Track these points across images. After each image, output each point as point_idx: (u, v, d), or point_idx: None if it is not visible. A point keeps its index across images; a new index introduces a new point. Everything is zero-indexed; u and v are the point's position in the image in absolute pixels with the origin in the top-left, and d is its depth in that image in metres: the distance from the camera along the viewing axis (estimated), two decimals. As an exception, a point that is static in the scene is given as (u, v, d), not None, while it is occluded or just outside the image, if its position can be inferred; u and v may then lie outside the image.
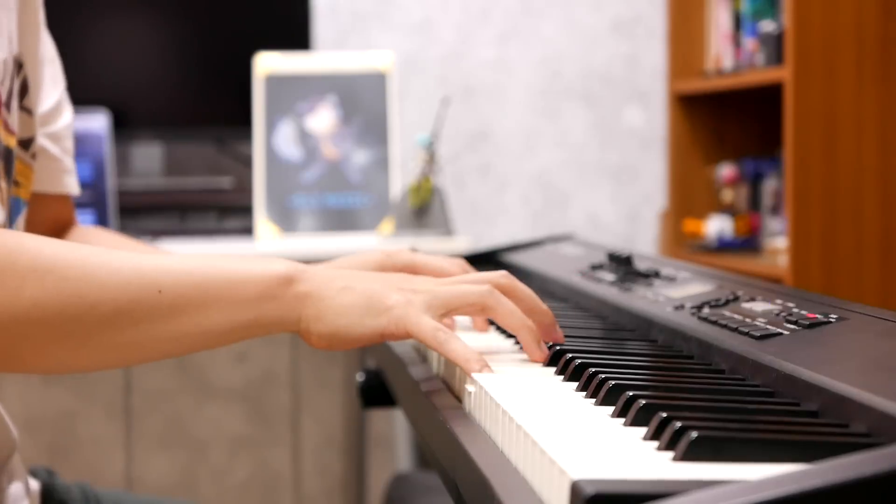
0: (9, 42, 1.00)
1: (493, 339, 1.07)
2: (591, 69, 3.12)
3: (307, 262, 1.20)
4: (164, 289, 0.86)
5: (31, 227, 1.17)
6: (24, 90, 1.06)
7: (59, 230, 1.24)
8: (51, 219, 1.23)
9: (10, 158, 1.03)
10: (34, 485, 1.17)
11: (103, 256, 0.87)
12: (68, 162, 1.21)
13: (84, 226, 1.30)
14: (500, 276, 0.94)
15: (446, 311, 0.90)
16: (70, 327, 0.84)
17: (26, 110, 1.06)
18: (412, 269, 1.07)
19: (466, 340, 1.01)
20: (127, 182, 2.72)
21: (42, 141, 1.15)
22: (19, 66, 1.04)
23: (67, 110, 1.21)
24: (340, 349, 0.91)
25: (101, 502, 1.24)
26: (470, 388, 0.85)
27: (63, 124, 1.19)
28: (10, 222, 1.06)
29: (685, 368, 0.90)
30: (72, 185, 1.22)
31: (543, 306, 0.94)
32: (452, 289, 0.91)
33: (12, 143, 1.03)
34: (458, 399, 0.89)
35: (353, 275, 0.91)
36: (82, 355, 0.87)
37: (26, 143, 1.08)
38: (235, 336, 0.89)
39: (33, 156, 1.09)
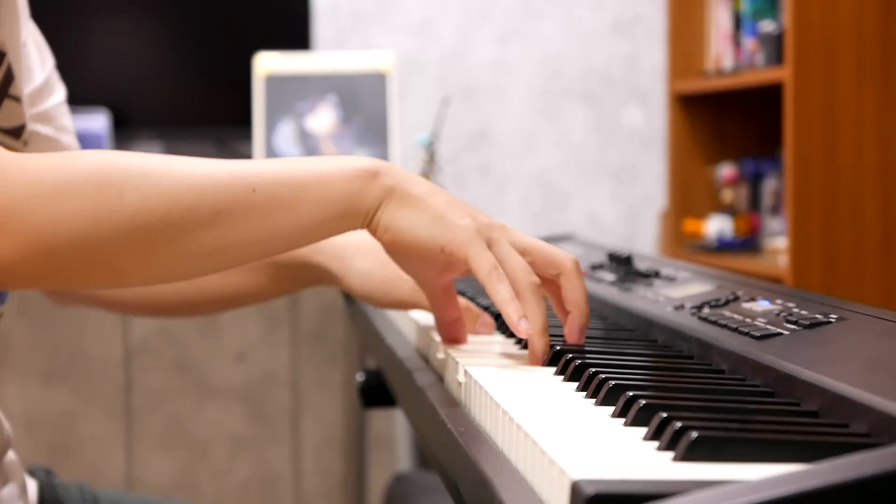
0: None
1: (497, 339, 1.07)
2: (591, 69, 3.12)
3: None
4: (259, 188, 0.88)
5: None
6: (8, 79, 1.05)
7: None
8: None
9: None
10: (32, 484, 1.17)
11: (193, 163, 0.88)
12: (67, 139, 1.19)
13: None
14: (573, 260, 0.94)
15: (521, 255, 0.91)
16: (172, 232, 0.85)
17: (13, 98, 1.06)
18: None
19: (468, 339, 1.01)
20: (127, 182, 2.72)
21: (33, 126, 1.14)
22: (1, 55, 1.04)
23: (59, 89, 1.19)
24: (401, 247, 0.92)
25: (100, 502, 1.23)
26: (462, 379, 0.85)
27: (53, 103, 1.18)
28: None
29: (685, 368, 0.90)
30: None
31: (585, 310, 0.94)
32: (543, 245, 0.93)
33: None
34: (459, 400, 0.89)
35: (435, 186, 0.93)
36: (186, 261, 0.87)
37: (16, 132, 1.07)
38: (326, 231, 0.91)
39: (25, 143, 1.09)
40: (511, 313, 0.88)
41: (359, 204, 0.91)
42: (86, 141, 2.42)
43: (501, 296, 0.89)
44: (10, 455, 1.11)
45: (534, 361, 0.91)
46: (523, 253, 0.92)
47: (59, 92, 1.19)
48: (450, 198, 0.92)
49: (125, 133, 2.73)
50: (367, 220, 0.92)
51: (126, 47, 2.83)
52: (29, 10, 1.15)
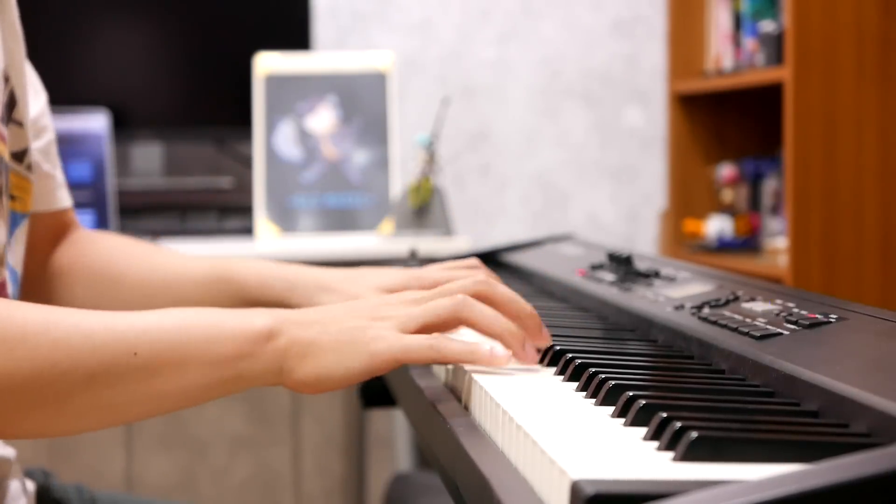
0: None
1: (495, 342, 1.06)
2: (591, 69, 3.12)
3: (307, 262, 1.21)
4: (140, 351, 0.84)
5: (33, 245, 1.17)
6: (12, 103, 1.06)
7: (59, 242, 1.24)
8: (50, 234, 1.23)
9: (6, 172, 1.03)
10: (30, 486, 1.17)
11: (76, 319, 0.85)
12: (59, 175, 1.22)
13: (90, 231, 1.29)
14: (476, 283, 0.92)
15: (421, 330, 0.88)
16: (44, 394, 0.82)
17: (16, 122, 1.07)
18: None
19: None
20: (127, 182, 2.72)
21: (36, 157, 1.15)
22: (6, 79, 1.04)
23: (51, 124, 1.21)
24: (330, 390, 0.88)
25: (97, 502, 1.23)
26: (473, 387, 0.85)
27: (50, 138, 1.20)
28: (8, 236, 1.06)
29: (685, 368, 0.90)
30: (65, 199, 1.23)
31: (527, 308, 0.92)
32: (426, 307, 0.89)
33: (5, 153, 1.03)
34: (459, 400, 0.89)
35: (327, 314, 0.89)
36: (60, 421, 0.84)
37: (20, 156, 1.08)
38: (215, 394, 0.87)
39: (29, 167, 1.10)
40: (481, 355, 0.86)
41: (251, 367, 0.86)
42: (86, 141, 2.42)
43: (460, 353, 0.86)
44: (9, 456, 1.11)
45: (523, 360, 0.90)
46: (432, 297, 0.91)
47: (52, 126, 1.21)
48: (340, 322, 0.88)
49: (125, 133, 2.72)
50: (269, 382, 0.87)
51: (126, 47, 2.83)
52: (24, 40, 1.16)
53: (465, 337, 0.97)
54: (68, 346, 0.82)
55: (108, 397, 0.84)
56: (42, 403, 0.82)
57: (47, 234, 1.22)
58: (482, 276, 0.94)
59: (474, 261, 1.15)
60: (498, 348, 0.87)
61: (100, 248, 1.25)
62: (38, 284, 1.21)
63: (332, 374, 0.86)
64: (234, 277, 1.17)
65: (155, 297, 1.20)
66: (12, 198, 1.07)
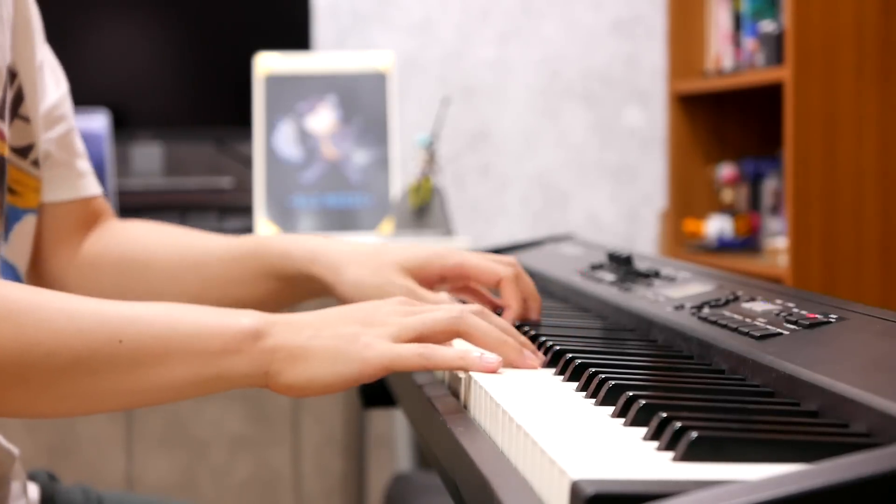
0: (0, 52, 1.01)
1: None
2: (591, 69, 3.12)
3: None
4: (125, 339, 0.83)
5: (58, 235, 1.17)
6: (18, 99, 1.06)
7: (89, 231, 1.23)
8: (78, 223, 1.21)
9: (4, 167, 1.03)
10: (33, 489, 1.17)
11: (63, 302, 0.84)
12: (82, 165, 1.20)
13: (119, 220, 1.27)
14: (474, 307, 0.92)
15: (417, 340, 0.88)
16: (27, 374, 0.81)
17: (23, 118, 1.06)
18: (462, 272, 1.07)
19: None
20: (127, 182, 2.72)
21: (48, 147, 1.15)
22: (13, 75, 1.04)
23: (71, 114, 1.20)
24: (313, 396, 0.88)
25: (104, 503, 1.23)
26: (473, 387, 0.85)
27: (68, 127, 1.19)
28: (6, 231, 1.06)
29: (685, 368, 0.90)
30: (89, 187, 1.21)
31: (516, 333, 0.92)
32: (423, 317, 0.89)
33: (5, 151, 1.03)
34: (459, 400, 0.89)
35: (319, 319, 0.89)
36: (41, 402, 0.84)
37: (24, 151, 1.08)
38: (199, 390, 0.86)
39: (34, 163, 1.09)
40: (473, 362, 0.86)
41: (237, 366, 0.85)
42: (86, 141, 2.42)
43: (450, 360, 0.86)
44: (13, 453, 1.11)
45: (525, 364, 0.90)
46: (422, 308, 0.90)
47: (71, 117, 1.20)
48: (333, 327, 0.88)
49: (125, 133, 2.73)
50: (254, 384, 0.87)
51: (126, 47, 2.83)
52: (44, 33, 1.15)
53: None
54: (54, 328, 0.82)
55: (91, 383, 0.83)
56: (24, 383, 0.82)
57: (74, 223, 1.21)
58: (477, 305, 0.94)
59: (511, 258, 1.13)
60: (488, 355, 0.87)
61: (129, 236, 1.24)
62: (66, 276, 1.20)
63: (322, 379, 0.86)
64: (258, 252, 1.17)
65: (184, 280, 1.19)
66: (12, 192, 1.06)
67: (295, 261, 1.13)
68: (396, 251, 1.11)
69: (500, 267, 1.08)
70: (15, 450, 1.11)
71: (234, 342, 0.85)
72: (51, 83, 1.16)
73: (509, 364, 0.90)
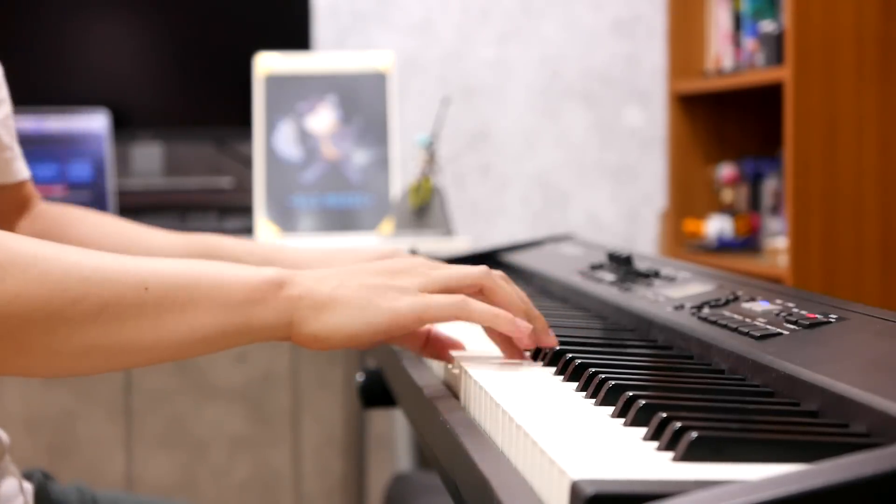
0: None
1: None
2: (591, 69, 3.12)
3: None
4: (151, 286, 0.83)
5: None
6: None
7: (21, 215, 1.24)
8: (11, 207, 1.23)
9: None
10: (28, 487, 1.17)
11: (87, 253, 0.84)
12: (17, 147, 1.21)
13: (55, 205, 1.28)
14: (498, 273, 0.93)
15: (444, 292, 0.88)
16: (53, 323, 0.80)
17: None
18: None
19: (465, 344, 1.01)
20: (127, 182, 2.72)
21: None
22: None
23: (7, 95, 1.21)
24: (340, 347, 0.88)
25: (98, 502, 1.23)
26: (473, 388, 0.85)
27: (7, 110, 1.19)
28: None
29: (685, 368, 0.90)
30: (23, 171, 1.23)
31: (536, 311, 0.93)
32: (450, 269, 0.90)
33: None
34: (459, 400, 0.89)
35: (345, 271, 0.88)
36: (65, 355, 0.82)
37: None
38: (224, 342, 0.86)
39: None
40: (502, 320, 0.87)
41: (262, 315, 0.85)
42: (86, 141, 2.42)
43: (483, 313, 0.87)
44: (3, 440, 1.11)
45: (522, 341, 0.90)
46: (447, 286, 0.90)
47: (8, 100, 1.20)
48: (360, 274, 0.88)
49: (125, 133, 2.72)
50: (278, 335, 0.87)
51: (126, 47, 2.83)
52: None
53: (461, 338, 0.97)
54: (79, 274, 0.81)
55: (117, 331, 0.82)
56: (50, 331, 0.80)
57: (7, 206, 1.22)
58: (506, 276, 0.94)
59: (484, 268, 1.14)
60: (520, 321, 0.87)
61: (70, 224, 1.24)
62: None
63: (349, 328, 0.86)
64: (211, 253, 1.16)
65: None
66: None
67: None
68: (348, 253, 1.12)
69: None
70: (6, 438, 1.11)
71: (258, 291, 0.85)
72: None
73: (517, 334, 0.90)
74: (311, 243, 2.40)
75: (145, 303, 0.83)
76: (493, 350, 1.00)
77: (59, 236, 1.21)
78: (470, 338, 1.02)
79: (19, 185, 1.23)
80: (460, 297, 0.87)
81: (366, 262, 0.98)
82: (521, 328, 0.88)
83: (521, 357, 0.93)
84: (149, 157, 2.81)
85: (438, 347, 0.96)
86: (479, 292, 0.90)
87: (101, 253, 0.85)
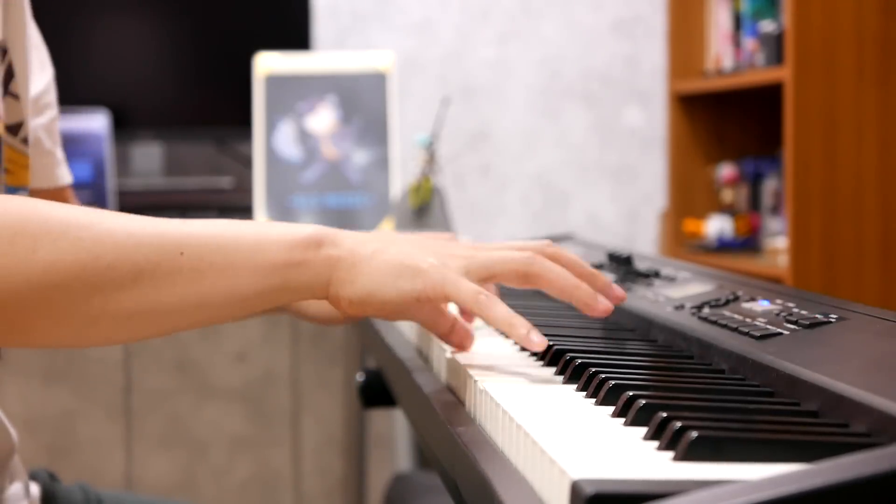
0: None
1: (494, 342, 1.06)
2: (591, 69, 3.12)
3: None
4: (187, 251, 0.82)
5: None
6: (9, 75, 1.05)
7: None
8: None
9: (0, 146, 1.03)
10: (34, 488, 1.17)
11: (120, 218, 0.82)
12: (59, 153, 1.22)
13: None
14: (545, 244, 0.91)
15: (487, 277, 0.87)
16: (88, 291, 0.79)
17: (13, 95, 1.06)
18: None
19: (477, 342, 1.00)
20: (127, 182, 2.72)
21: (39, 133, 1.15)
22: (3, 51, 1.04)
23: (56, 100, 1.21)
24: (373, 314, 0.87)
25: (103, 502, 1.23)
26: (473, 387, 0.85)
27: (53, 115, 1.19)
28: None
29: (685, 368, 0.90)
30: (65, 176, 1.23)
31: (592, 269, 0.91)
32: (493, 253, 0.88)
33: (1, 129, 1.03)
34: (459, 400, 0.89)
35: (386, 237, 0.88)
36: (103, 324, 0.81)
37: (14, 129, 1.08)
38: (263, 302, 0.85)
39: (24, 140, 1.09)
40: (518, 328, 0.84)
41: (301, 276, 0.84)
42: (86, 141, 2.42)
43: (499, 316, 0.85)
44: (11, 437, 1.11)
45: (597, 311, 0.89)
46: (491, 269, 0.89)
47: (55, 103, 1.21)
48: (401, 243, 0.88)
49: (125, 133, 2.72)
50: (316, 294, 0.85)
51: (126, 47, 2.83)
52: (31, 10, 1.15)
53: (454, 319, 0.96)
54: (113, 241, 0.80)
55: (153, 299, 0.81)
56: (86, 301, 0.80)
57: None
58: (548, 241, 0.93)
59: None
60: (535, 335, 0.85)
61: None
62: None
63: (383, 294, 0.85)
64: None
65: None
66: (5, 170, 1.06)
67: None
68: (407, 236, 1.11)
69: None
70: (14, 433, 1.11)
71: (298, 251, 0.84)
72: (37, 64, 1.16)
73: (583, 307, 0.88)
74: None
75: (182, 267, 0.82)
76: (494, 350, 1.00)
77: None
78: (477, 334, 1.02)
79: (58, 192, 1.22)
80: (486, 297, 0.85)
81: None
82: (533, 344, 0.85)
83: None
84: (149, 157, 2.81)
85: (463, 335, 0.94)
86: (525, 277, 0.88)
87: (137, 218, 0.84)
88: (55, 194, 1.23)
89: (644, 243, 3.14)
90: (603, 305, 0.89)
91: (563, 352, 0.90)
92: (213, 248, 0.83)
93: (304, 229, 0.86)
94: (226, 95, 2.80)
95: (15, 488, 1.09)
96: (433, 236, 1.07)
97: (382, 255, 0.85)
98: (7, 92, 1.05)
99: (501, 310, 0.85)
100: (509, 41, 3.09)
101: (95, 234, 0.80)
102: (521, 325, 0.85)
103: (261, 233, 0.85)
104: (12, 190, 1.08)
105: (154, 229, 0.82)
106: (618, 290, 0.92)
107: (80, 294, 0.79)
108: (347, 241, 0.86)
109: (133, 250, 0.81)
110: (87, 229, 0.80)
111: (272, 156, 2.49)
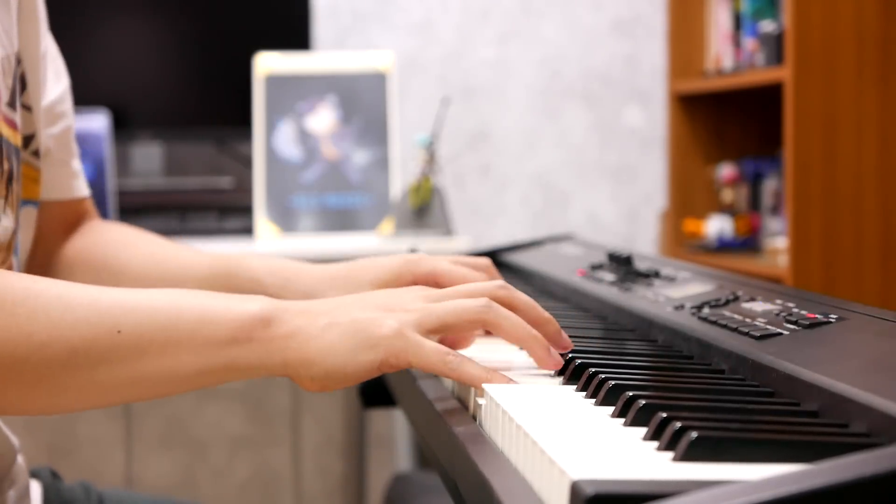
0: (8, 39, 1.00)
1: (494, 343, 1.06)
2: (591, 69, 3.12)
3: (308, 260, 1.20)
4: (124, 329, 0.79)
5: (44, 233, 1.16)
6: (21, 87, 1.05)
7: (71, 231, 1.23)
8: (62, 223, 1.21)
9: (18, 158, 1.02)
10: (35, 486, 1.17)
11: (60, 290, 0.80)
12: (76, 165, 1.20)
13: (101, 222, 1.26)
14: (498, 287, 0.87)
15: (442, 329, 0.84)
16: (19, 368, 0.78)
17: (25, 107, 1.06)
18: (434, 279, 1.02)
19: (474, 346, 1.00)
20: (127, 182, 2.72)
21: (49, 144, 1.14)
22: (18, 62, 1.04)
23: (71, 111, 1.20)
24: (338, 388, 0.84)
25: (104, 500, 1.23)
26: (473, 388, 0.85)
27: (67, 125, 1.18)
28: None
29: (685, 368, 0.90)
30: (81, 188, 1.21)
31: (546, 314, 0.88)
32: (448, 305, 0.84)
33: (18, 141, 1.02)
34: (459, 400, 0.88)
35: (336, 305, 0.84)
36: (36, 397, 0.80)
37: (26, 141, 1.07)
38: (207, 380, 0.82)
39: (35, 153, 1.08)
40: (498, 381, 0.81)
41: (249, 355, 0.81)
42: (86, 141, 2.42)
43: (474, 376, 0.82)
44: (13, 444, 1.11)
45: (547, 366, 0.87)
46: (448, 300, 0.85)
47: (71, 114, 1.19)
48: (351, 307, 0.83)
49: (125, 133, 2.72)
50: (273, 373, 0.82)
51: (126, 47, 2.83)
52: (48, 21, 1.15)
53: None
54: (49, 319, 0.79)
55: (90, 376, 0.79)
56: (16, 377, 0.78)
57: (59, 223, 1.20)
58: (500, 281, 0.90)
59: (486, 261, 1.08)
60: (515, 379, 0.83)
61: (105, 240, 1.23)
62: (43, 273, 1.20)
63: (344, 369, 0.81)
64: (231, 274, 1.15)
65: None
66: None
67: (266, 287, 1.09)
68: (368, 268, 1.07)
69: (473, 274, 1.04)
70: (15, 441, 1.11)
71: (242, 330, 0.81)
72: (52, 75, 1.16)
73: (537, 360, 0.86)
74: (311, 243, 2.40)
75: (119, 346, 0.79)
76: (494, 350, 1.00)
77: (92, 255, 1.20)
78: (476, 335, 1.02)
79: (72, 203, 1.21)
80: (454, 357, 0.82)
81: (366, 291, 0.94)
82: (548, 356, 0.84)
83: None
84: (149, 157, 2.81)
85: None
86: (482, 326, 0.86)
87: (78, 290, 0.82)
88: (70, 206, 1.21)
89: (644, 243, 3.14)
90: (554, 361, 0.86)
91: (563, 352, 0.90)
92: (153, 325, 0.80)
93: (251, 305, 0.82)
94: (226, 95, 2.80)
95: (17, 489, 1.09)
96: (385, 289, 1.00)
97: (335, 329, 0.82)
98: (20, 104, 1.05)
99: (472, 368, 0.82)
100: (509, 41, 3.09)
101: (30, 309, 0.78)
102: (499, 378, 0.82)
103: (204, 308, 0.82)
104: (23, 202, 1.07)
105: (93, 304, 0.80)
106: (565, 339, 0.88)
107: (11, 370, 0.78)
108: (297, 318, 0.82)
109: (68, 328, 0.79)
110: (22, 304, 0.78)
111: (272, 156, 2.49)
